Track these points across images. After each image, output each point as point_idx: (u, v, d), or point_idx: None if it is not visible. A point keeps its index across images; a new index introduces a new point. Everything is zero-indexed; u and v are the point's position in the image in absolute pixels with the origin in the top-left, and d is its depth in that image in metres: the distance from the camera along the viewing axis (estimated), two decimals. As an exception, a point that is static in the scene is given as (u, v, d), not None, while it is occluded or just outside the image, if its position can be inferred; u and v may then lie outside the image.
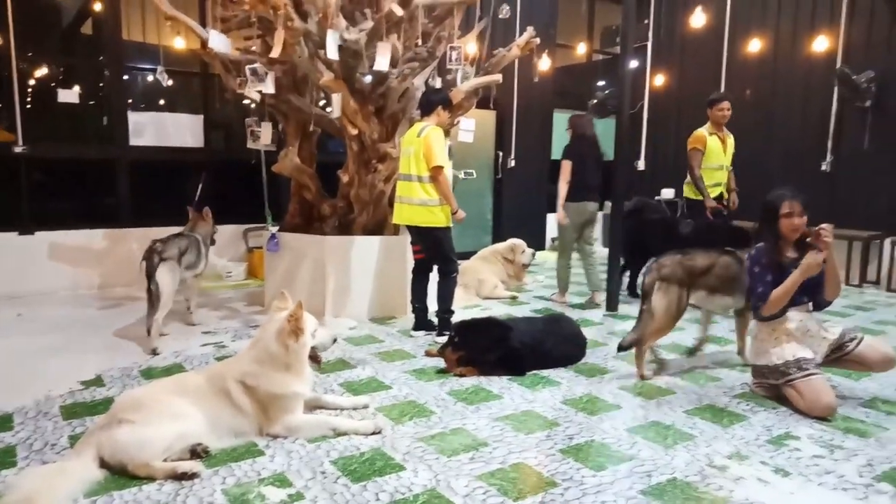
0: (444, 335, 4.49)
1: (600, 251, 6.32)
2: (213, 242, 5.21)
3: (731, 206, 6.12)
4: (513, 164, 9.04)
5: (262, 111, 5.71)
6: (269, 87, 4.82)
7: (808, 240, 3.37)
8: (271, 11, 4.30)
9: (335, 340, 3.29)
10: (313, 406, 3.22)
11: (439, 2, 4.97)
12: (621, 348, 4.04)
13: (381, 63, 4.38)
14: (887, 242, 6.92)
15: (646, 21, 9.82)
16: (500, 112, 8.95)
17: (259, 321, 4.88)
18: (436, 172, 4.46)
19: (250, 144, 5.68)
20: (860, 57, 7.32)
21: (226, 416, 2.83)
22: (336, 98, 4.68)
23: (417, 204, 4.56)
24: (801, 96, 7.96)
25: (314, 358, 3.13)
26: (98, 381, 3.70)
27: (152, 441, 2.57)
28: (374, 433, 2.99)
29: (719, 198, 6.00)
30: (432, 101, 4.61)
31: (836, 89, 7.46)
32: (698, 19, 8.09)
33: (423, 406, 3.38)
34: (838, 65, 7.38)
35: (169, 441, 2.61)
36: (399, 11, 4.18)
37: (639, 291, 4.52)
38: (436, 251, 4.71)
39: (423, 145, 4.46)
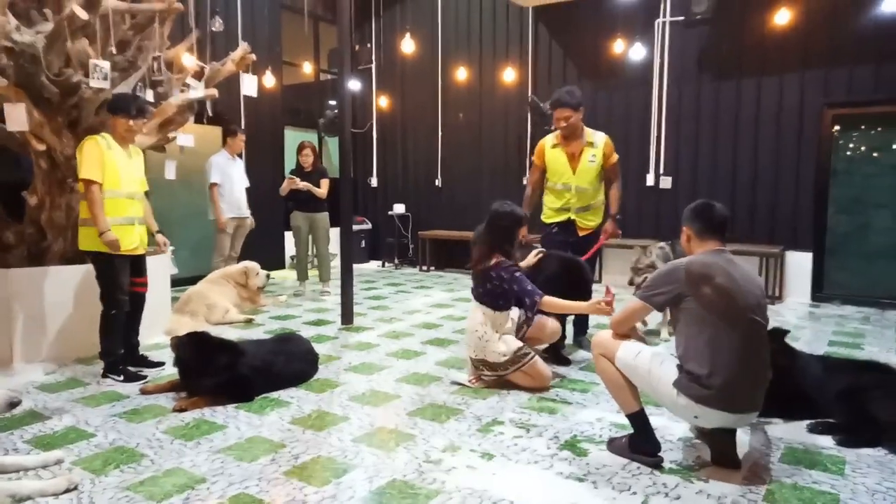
0: (108, 378, 4.13)
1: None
2: None
3: (604, 235, 4.94)
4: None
5: None
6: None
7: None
8: None
9: (15, 404, 2.71)
10: (-14, 472, 2.70)
11: (138, 8, 4.57)
12: None
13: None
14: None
15: (368, 45, 10.27)
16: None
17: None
18: (83, 186, 3.92)
19: None
20: (545, 87, 8.57)
21: None
22: (10, 108, 3.99)
23: (81, 224, 4.05)
24: (502, 120, 9.06)
25: (-18, 421, 2.62)
26: None
27: None
28: (67, 491, 2.61)
29: (566, 223, 4.89)
30: (108, 109, 4.10)
31: (529, 115, 8.63)
32: (408, 46, 8.70)
33: (134, 450, 3.05)
34: (530, 94, 8.55)
35: None
36: (83, 15, 3.73)
37: None
38: (97, 279, 4.15)
39: (78, 156, 3.95)
